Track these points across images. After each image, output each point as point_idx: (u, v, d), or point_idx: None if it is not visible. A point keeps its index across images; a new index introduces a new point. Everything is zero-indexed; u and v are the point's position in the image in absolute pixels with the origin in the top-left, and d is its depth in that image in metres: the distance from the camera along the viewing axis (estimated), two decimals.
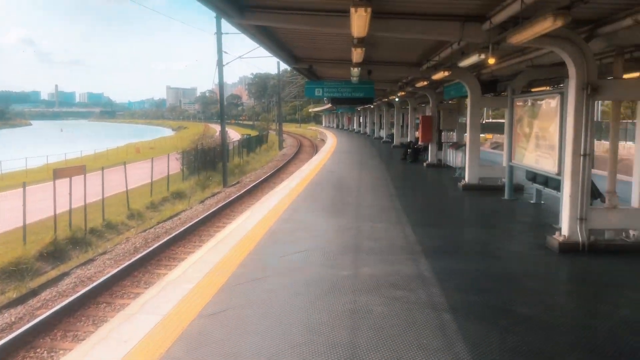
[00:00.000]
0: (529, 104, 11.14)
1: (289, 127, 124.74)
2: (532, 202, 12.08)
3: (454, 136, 20.36)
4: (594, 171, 8.69)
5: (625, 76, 7.78)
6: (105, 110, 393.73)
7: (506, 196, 12.67)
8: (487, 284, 6.33)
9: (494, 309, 5.49)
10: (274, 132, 76.85)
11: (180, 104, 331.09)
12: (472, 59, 8.42)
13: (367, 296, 5.83)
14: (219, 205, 22.00)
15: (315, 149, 52.09)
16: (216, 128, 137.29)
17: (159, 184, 31.48)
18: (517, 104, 11.90)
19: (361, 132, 53.76)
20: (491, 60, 7.77)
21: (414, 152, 22.78)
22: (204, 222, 18.54)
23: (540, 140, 10.43)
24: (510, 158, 12.38)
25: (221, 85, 30.90)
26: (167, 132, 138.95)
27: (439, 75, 12.06)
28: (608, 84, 7.50)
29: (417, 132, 26.00)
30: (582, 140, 7.52)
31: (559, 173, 9.53)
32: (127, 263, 13.01)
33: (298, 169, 22.03)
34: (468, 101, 14.16)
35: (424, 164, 20.65)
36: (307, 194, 13.62)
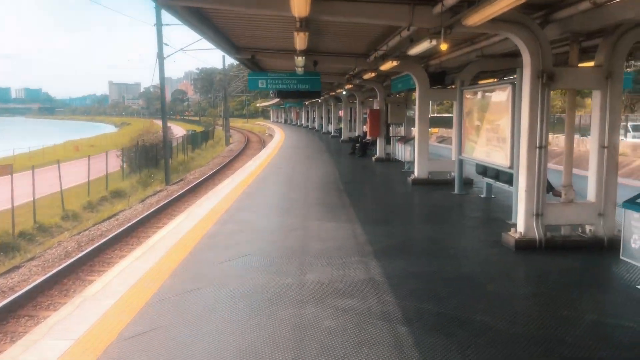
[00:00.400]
0: (479, 95, 10.80)
1: (236, 123, 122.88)
2: (482, 196, 11.77)
3: (402, 130, 20.04)
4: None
5: (580, 65, 7.45)
6: (44, 106, 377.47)
7: (456, 190, 12.33)
8: (444, 289, 5.82)
9: (452, 319, 4.97)
10: (220, 128, 75.32)
11: (124, 99, 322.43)
12: (423, 46, 7.92)
13: (313, 307, 5.21)
14: (160, 204, 20.97)
15: (263, 144, 51.25)
16: (161, 124, 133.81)
17: (98, 182, 30.07)
18: (467, 96, 11.56)
19: (309, 126, 53.25)
20: (443, 46, 7.27)
21: (362, 147, 22.36)
22: (143, 222, 17.52)
23: (491, 132, 10.09)
24: (459, 152, 12.04)
25: (162, 78, 29.65)
26: (110, 129, 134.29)
27: (386, 66, 11.57)
28: (564, 72, 7.13)
29: (365, 127, 25.66)
30: (538, 132, 7.14)
31: (512, 166, 9.21)
32: (55, 270, 11.96)
33: (244, 166, 21.23)
34: (416, 93, 13.76)
35: (373, 159, 20.25)
36: (252, 191, 12.91)
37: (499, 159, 9.69)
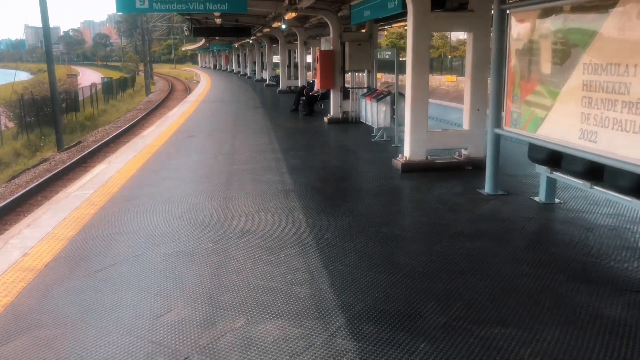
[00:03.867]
0: (559, 19, 5.48)
1: (163, 69, 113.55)
2: (539, 200, 6.63)
3: (364, 79, 14.59)
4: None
5: None
6: None
7: (487, 189, 7.12)
8: None
9: None
10: (143, 75, 67.09)
11: (42, 44, 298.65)
12: None
13: None
14: (29, 187, 14.91)
15: (188, 92, 44.71)
16: (80, 70, 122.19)
17: None
18: (520, 21, 6.22)
19: (241, 73, 46.65)
20: None
21: (308, 102, 16.78)
22: None
23: (604, 93, 4.85)
24: (496, 122, 6.81)
25: (44, 9, 22.60)
26: (24, 76, 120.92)
27: None
28: None
29: (310, 74, 20.16)
30: None
31: None
32: None
33: (143, 133, 15.23)
34: (409, 22, 8.27)
35: (325, 120, 14.76)
36: (131, 195, 7.24)
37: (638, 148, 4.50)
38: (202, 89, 30.99)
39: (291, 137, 12.72)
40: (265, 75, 33.91)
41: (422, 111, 8.28)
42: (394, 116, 10.79)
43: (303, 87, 18.27)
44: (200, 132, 13.37)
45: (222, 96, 25.85)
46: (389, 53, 10.91)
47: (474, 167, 8.46)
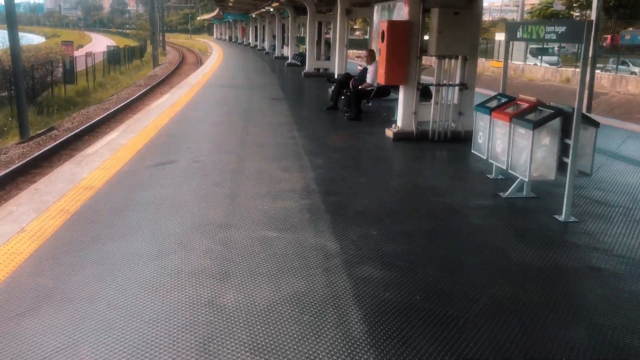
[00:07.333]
0: None
1: (178, 39, 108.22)
2: None
3: (457, 70, 8.97)
4: None
5: None
6: None
7: None
8: None
9: None
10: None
11: (60, 9, 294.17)
12: None
13: None
14: None
15: (199, 64, 39.25)
16: (94, 37, 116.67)
17: None
18: None
19: (258, 47, 40.87)
20: None
21: (354, 99, 11.16)
22: None
23: None
24: None
25: None
26: (38, 40, 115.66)
27: None
28: None
29: (363, 54, 14.65)
30: None
31: None
32: None
33: (88, 150, 9.71)
34: None
35: (389, 133, 9.20)
36: None
37: None
38: (210, 66, 25.39)
39: (340, 174, 7.15)
40: (286, 52, 28.17)
41: None
42: (567, 159, 5.21)
43: (348, 76, 12.56)
44: (183, 152, 7.88)
45: (233, 78, 20.25)
46: (562, 29, 5.24)
47: None
